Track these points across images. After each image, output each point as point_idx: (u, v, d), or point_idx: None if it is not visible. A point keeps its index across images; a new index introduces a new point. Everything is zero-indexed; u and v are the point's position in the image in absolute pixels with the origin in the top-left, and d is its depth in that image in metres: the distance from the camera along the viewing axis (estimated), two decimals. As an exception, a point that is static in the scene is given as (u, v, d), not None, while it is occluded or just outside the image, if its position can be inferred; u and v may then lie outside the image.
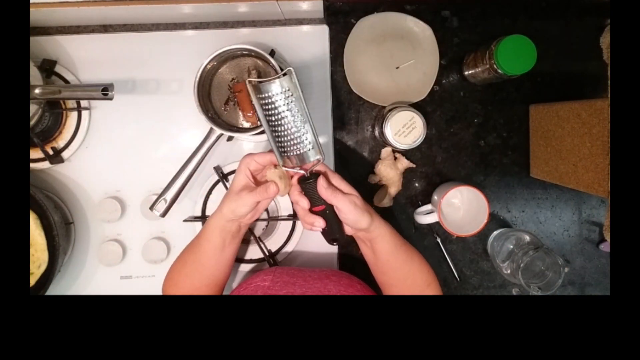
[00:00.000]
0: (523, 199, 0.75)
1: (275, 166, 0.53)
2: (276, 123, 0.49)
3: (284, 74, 0.48)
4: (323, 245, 0.73)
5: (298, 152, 0.50)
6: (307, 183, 0.52)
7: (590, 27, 0.71)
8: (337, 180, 0.54)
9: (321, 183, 0.51)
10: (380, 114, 0.70)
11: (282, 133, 0.49)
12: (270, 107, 0.48)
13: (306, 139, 0.49)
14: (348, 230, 0.57)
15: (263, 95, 0.48)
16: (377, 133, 0.71)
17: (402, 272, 0.59)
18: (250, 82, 0.48)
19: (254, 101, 0.48)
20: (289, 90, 0.48)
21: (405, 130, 0.64)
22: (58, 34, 0.73)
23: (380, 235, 0.56)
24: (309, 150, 0.50)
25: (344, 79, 0.71)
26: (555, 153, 0.65)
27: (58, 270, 0.66)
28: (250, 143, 0.73)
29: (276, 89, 0.47)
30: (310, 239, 0.74)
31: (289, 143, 0.49)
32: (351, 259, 0.74)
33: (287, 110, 0.48)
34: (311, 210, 0.54)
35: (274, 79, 0.47)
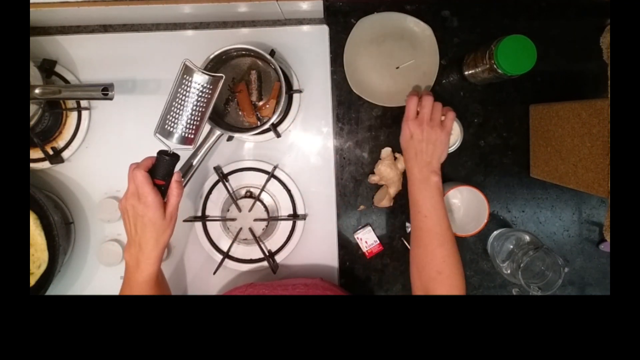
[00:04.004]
0: (523, 199, 0.75)
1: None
2: (180, 102, 0.55)
3: (215, 77, 0.55)
4: (323, 245, 0.74)
5: (178, 132, 0.56)
6: (165, 158, 0.56)
7: (590, 27, 0.71)
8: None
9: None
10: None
11: (178, 112, 0.55)
12: (186, 88, 0.55)
13: (191, 128, 0.56)
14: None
15: (187, 77, 0.54)
16: None
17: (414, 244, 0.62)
18: (186, 60, 0.54)
19: (177, 76, 0.54)
20: (208, 90, 0.55)
21: None
22: (58, 34, 0.73)
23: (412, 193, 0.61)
24: (187, 135, 0.56)
25: (344, 79, 0.71)
26: (555, 153, 0.65)
27: (58, 270, 0.66)
28: (250, 143, 0.74)
29: (199, 80, 0.55)
30: (311, 239, 0.74)
31: (176, 121, 0.55)
32: (351, 256, 0.74)
33: (195, 100, 0.55)
34: (159, 183, 0.57)
35: (204, 73, 0.55)
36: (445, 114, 0.62)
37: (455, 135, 0.64)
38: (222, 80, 0.56)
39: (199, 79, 0.54)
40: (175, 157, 0.57)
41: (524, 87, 0.73)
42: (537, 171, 0.71)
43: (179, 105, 0.54)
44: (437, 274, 0.58)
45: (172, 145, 0.56)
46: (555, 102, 0.66)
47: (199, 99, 0.55)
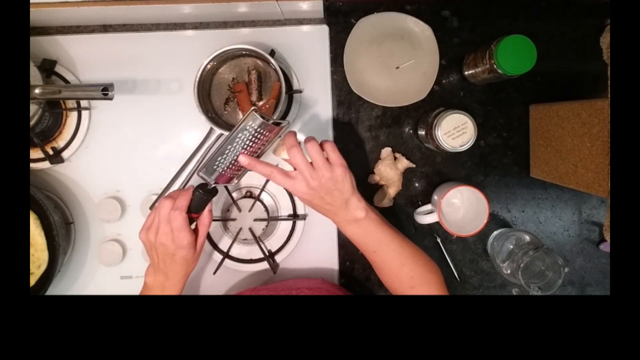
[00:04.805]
0: (523, 199, 0.74)
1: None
2: (235, 145, 0.53)
3: (281, 124, 0.54)
4: (323, 245, 0.74)
5: (221, 170, 0.54)
6: (202, 192, 0.55)
7: (590, 27, 0.71)
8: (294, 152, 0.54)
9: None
10: (424, 113, 0.70)
11: (229, 153, 0.53)
12: (246, 133, 0.52)
13: (237, 168, 0.55)
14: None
15: (251, 124, 0.52)
16: (421, 131, 0.70)
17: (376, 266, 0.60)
18: (254, 109, 0.51)
19: (240, 123, 0.52)
20: (268, 134, 0.53)
21: (455, 132, 0.64)
22: (58, 34, 0.73)
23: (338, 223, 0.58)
24: (230, 175, 0.55)
25: (344, 79, 0.71)
26: (555, 153, 0.65)
27: (58, 270, 0.66)
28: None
29: (262, 126, 0.52)
30: (311, 239, 0.74)
31: (224, 161, 0.54)
32: (351, 256, 0.74)
33: (250, 143, 0.53)
34: (190, 216, 0.56)
35: (271, 120, 0.52)
36: (324, 148, 0.55)
37: (470, 134, 0.63)
38: (288, 126, 0.55)
39: (263, 126, 0.52)
40: (214, 192, 0.57)
41: (524, 87, 0.73)
42: (537, 171, 0.71)
43: (232, 148, 0.53)
44: (410, 289, 0.57)
45: (213, 182, 0.55)
46: (555, 102, 0.66)
47: (255, 141, 0.53)
